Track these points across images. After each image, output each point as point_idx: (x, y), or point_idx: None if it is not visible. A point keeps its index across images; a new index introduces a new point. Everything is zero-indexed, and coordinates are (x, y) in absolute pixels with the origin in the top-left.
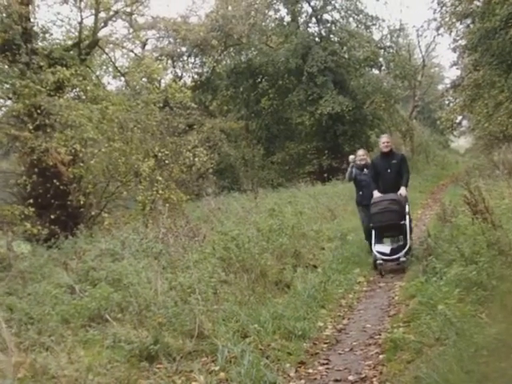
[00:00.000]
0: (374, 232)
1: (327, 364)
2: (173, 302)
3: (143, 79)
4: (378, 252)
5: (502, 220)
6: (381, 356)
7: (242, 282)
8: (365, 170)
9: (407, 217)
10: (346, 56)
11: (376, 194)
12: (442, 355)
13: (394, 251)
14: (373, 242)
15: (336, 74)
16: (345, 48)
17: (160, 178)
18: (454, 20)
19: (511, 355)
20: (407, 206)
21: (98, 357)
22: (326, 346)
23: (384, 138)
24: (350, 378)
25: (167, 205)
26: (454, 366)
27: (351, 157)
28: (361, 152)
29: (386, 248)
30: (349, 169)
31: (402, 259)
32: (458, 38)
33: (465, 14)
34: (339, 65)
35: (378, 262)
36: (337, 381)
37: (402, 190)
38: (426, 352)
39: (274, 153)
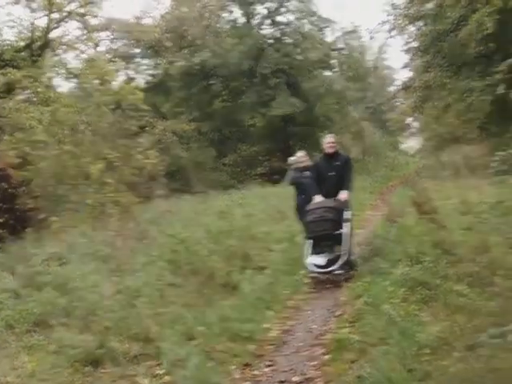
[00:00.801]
0: (308, 242)
1: (272, 365)
2: (119, 305)
3: (95, 81)
4: (313, 264)
5: (447, 220)
6: (326, 356)
7: (189, 284)
8: (305, 172)
9: (346, 225)
10: (300, 58)
11: (317, 198)
12: (386, 354)
13: (330, 262)
14: (307, 252)
15: (289, 76)
16: (298, 50)
17: (110, 181)
18: (406, 22)
19: (453, 353)
20: (347, 213)
21: (41, 362)
22: (271, 347)
23: (328, 138)
24: (295, 378)
25: (117, 208)
26: (396, 365)
27: (291, 158)
28: (300, 154)
29: (321, 259)
30: (289, 171)
31: (337, 271)
32: (410, 40)
33: (417, 16)
34: (292, 66)
35: (311, 275)
36: (282, 382)
37: (343, 195)
38: (370, 351)
39: (225, 155)
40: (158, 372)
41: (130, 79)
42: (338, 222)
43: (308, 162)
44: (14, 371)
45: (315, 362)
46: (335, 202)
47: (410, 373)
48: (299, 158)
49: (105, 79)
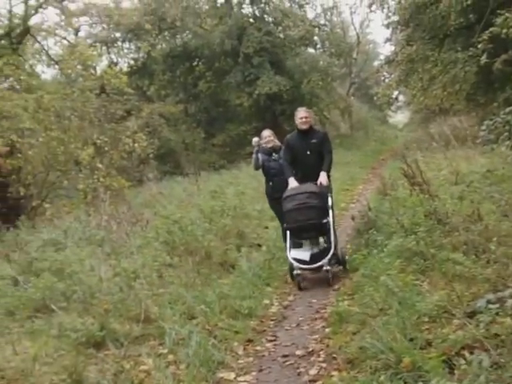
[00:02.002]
0: (288, 234)
1: (275, 340)
2: (118, 287)
3: (78, 66)
4: (295, 259)
5: (439, 190)
6: (327, 329)
7: (186, 264)
8: (274, 154)
9: (330, 213)
10: (281, 36)
11: (292, 182)
12: (386, 325)
13: (315, 257)
14: (287, 246)
15: (272, 54)
16: (279, 28)
17: (100, 166)
18: None
19: (452, 321)
20: (330, 199)
21: (44, 347)
22: (272, 322)
23: (301, 113)
24: (298, 352)
25: (109, 192)
26: (397, 335)
27: (255, 140)
28: (266, 133)
29: (304, 254)
30: (253, 155)
31: (326, 267)
32: (390, 14)
33: None
34: (275, 45)
35: (295, 272)
36: (285, 356)
37: (322, 178)
38: (370, 323)
39: (214, 135)
40: (161, 351)
41: (113, 63)
42: (324, 209)
43: (275, 142)
44: (17, 356)
45: (317, 336)
46: (317, 186)
47: (411, 342)
48: (265, 137)
49: (87, 64)
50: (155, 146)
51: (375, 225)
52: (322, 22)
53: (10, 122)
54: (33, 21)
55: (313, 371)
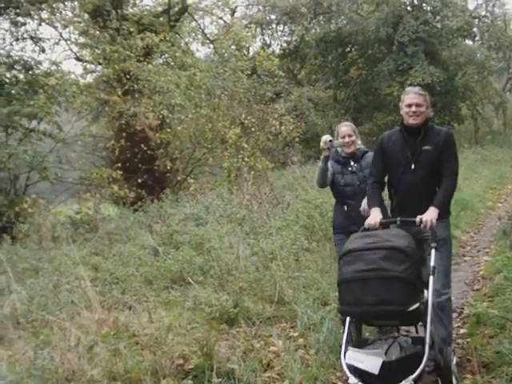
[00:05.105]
0: (347, 321)
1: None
2: (254, 267)
3: (232, 46)
4: (352, 368)
5: None
6: (462, 330)
7: (324, 250)
8: (352, 163)
9: (431, 285)
10: (439, 26)
11: (375, 214)
12: None
13: (390, 370)
14: (344, 340)
15: (427, 44)
16: (437, 17)
17: (246, 146)
18: None
19: None
20: (432, 255)
21: (178, 318)
22: None
23: (412, 96)
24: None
25: (252, 172)
26: None
27: (325, 138)
28: (345, 129)
29: (371, 361)
30: (320, 163)
31: None
32: None
33: None
34: (431, 35)
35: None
36: None
37: (428, 215)
38: (510, 328)
39: (361, 123)
40: (291, 334)
41: (266, 45)
42: (416, 284)
43: (358, 144)
44: (151, 324)
45: (452, 336)
46: (409, 237)
47: None
48: (343, 135)
49: (241, 45)
50: (301, 129)
51: None
52: (483, 13)
53: (162, 97)
54: (191, 0)
55: None
